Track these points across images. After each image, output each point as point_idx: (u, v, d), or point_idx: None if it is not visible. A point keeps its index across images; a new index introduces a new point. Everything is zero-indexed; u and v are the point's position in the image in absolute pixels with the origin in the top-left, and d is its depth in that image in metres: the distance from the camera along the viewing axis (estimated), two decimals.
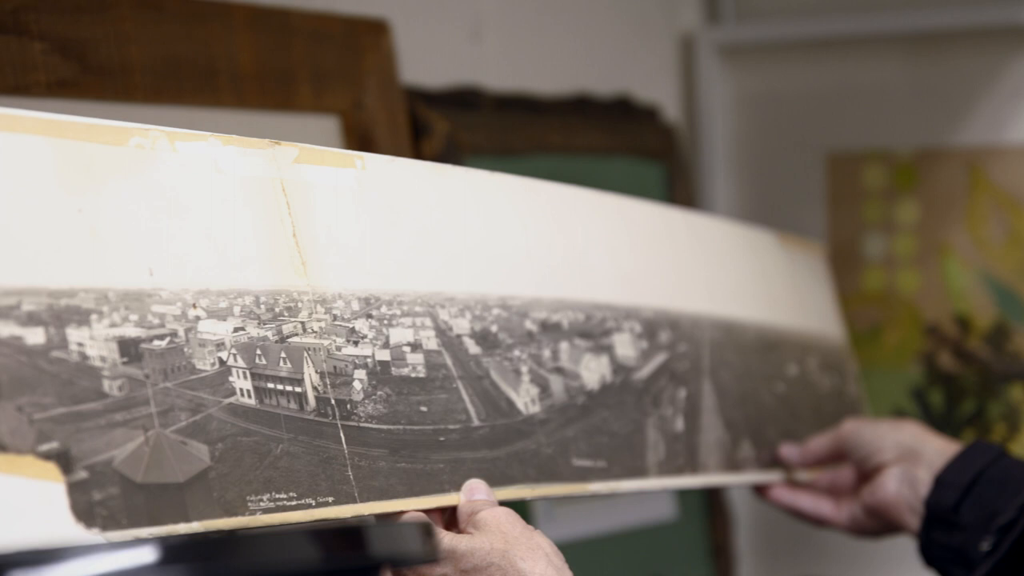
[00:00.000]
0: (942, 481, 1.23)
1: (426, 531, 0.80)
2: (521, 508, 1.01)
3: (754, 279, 1.43)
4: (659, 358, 1.24)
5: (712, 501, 1.72)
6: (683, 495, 1.67)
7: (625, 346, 1.20)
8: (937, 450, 1.26)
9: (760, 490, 1.36)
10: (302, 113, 1.29)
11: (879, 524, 1.30)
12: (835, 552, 1.69)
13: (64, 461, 0.79)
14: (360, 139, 1.32)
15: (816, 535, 1.54)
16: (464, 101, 1.51)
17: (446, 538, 0.94)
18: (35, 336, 0.80)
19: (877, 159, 1.75)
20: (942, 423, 1.69)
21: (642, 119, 1.73)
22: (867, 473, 1.30)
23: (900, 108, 1.74)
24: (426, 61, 1.49)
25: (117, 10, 1.14)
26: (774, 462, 1.36)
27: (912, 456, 1.27)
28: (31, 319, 0.80)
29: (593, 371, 1.16)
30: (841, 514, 1.33)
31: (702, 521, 1.72)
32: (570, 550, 1.01)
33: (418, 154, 1.41)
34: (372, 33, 1.35)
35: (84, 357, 0.82)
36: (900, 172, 1.74)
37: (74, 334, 0.82)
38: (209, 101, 1.21)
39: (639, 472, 1.17)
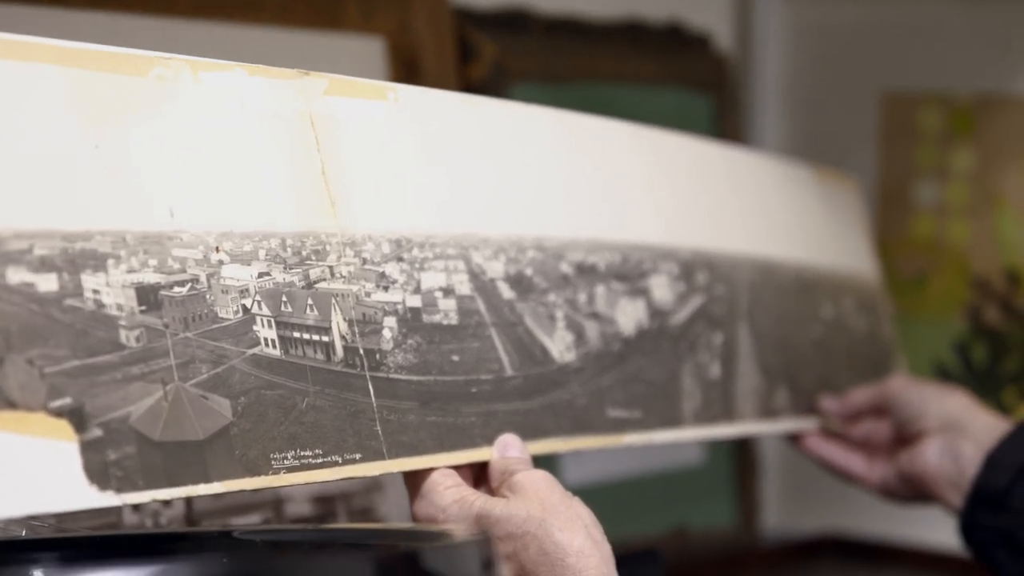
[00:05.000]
0: (993, 460, 1.17)
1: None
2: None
3: (791, 217, 1.37)
4: (696, 301, 1.18)
5: (739, 446, 1.67)
6: None
7: (662, 289, 1.14)
8: (986, 426, 1.20)
9: (793, 439, 1.31)
10: (348, 33, 1.22)
11: (912, 492, 1.25)
12: (862, 502, 1.64)
13: (77, 418, 0.73)
14: (406, 63, 1.25)
15: (844, 484, 1.49)
16: (513, 23, 1.44)
17: (479, 501, 0.88)
18: (48, 283, 0.74)
19: (934, 101, 1.68)
20: (984, 379, 1.63)
21: (694, 48, 1.66)
22: (906, 437, 1.25)
23: (961, 49, 1.65)
24: None
25: None
26: (810, 409, 1.31)
27: (957, 428, 1.21)
28: (44, 264, 0.74)
29: (629, 316, 1.10)
30: (873, 473, 1.28)
31: (728, 466, 1.67)
32: (593, 494, 0.95)
33: (464, 79, 1.35)
34: None
35: (100, 305, 0.76)
36: (957, 116, 1.66)
37: (89, 280, 0.76)
38: (253, 18, 1.14)
39: (675, 422, 1.12)
